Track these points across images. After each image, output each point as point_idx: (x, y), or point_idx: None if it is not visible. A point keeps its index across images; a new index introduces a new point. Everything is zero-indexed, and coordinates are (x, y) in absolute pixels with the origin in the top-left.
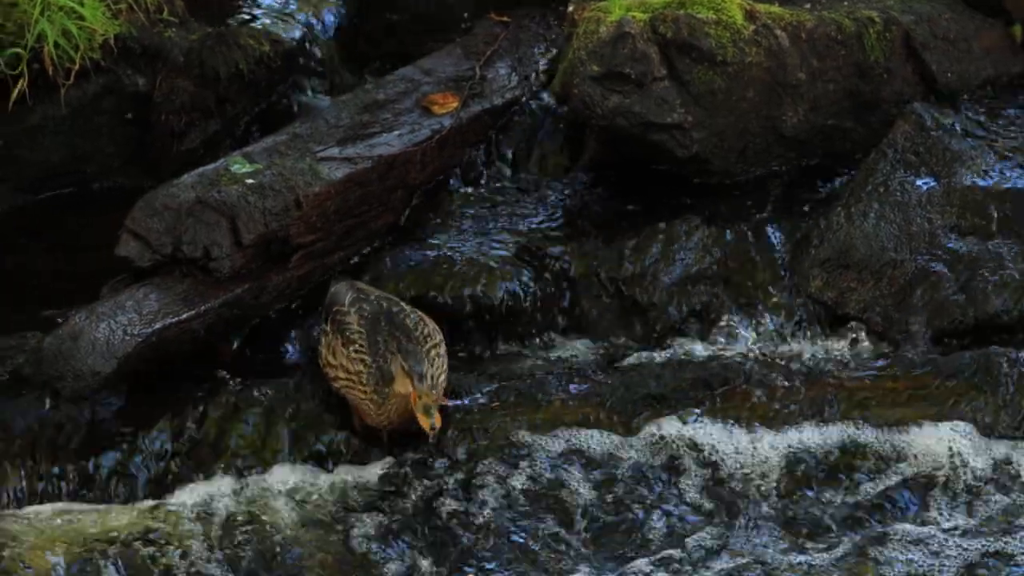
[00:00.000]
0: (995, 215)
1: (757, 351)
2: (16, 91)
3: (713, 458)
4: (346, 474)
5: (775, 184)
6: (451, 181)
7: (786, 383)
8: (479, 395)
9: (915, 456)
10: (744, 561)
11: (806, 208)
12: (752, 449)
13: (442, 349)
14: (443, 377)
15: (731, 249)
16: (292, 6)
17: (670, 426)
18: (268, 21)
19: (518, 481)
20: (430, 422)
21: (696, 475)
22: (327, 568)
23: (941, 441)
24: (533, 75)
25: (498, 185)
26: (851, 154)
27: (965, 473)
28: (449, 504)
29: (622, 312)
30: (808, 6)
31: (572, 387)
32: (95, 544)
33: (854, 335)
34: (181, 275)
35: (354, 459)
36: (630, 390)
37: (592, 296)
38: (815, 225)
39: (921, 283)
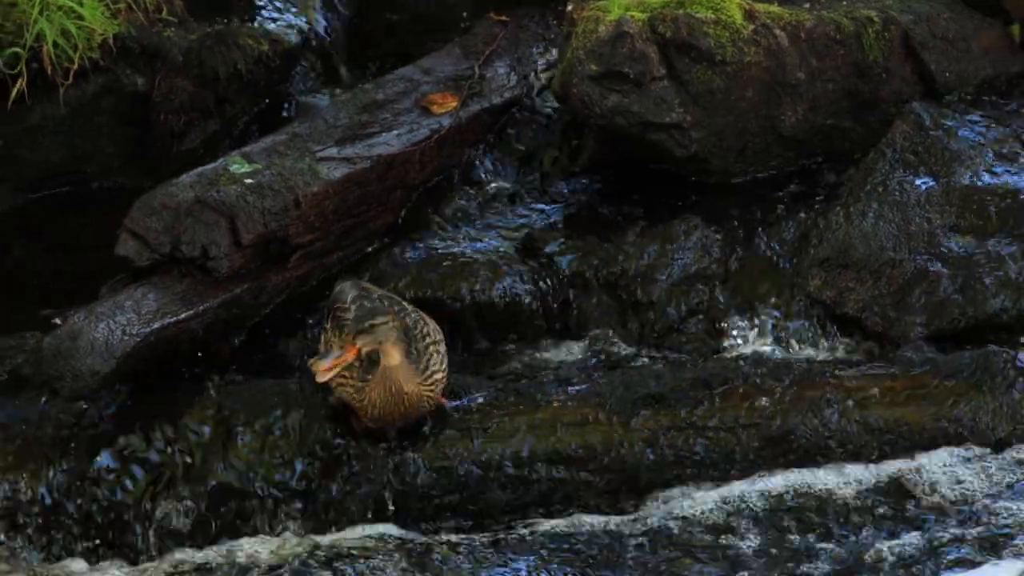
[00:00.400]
0: (994, 215)
1: (756, 351)
2: (15, 91)
3: None
4: None
5: (774, 184)
6: (450, 180)
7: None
8: (478, 395)
9: None
10: None
11: (805, 208)
12: None
13: (441, 348)
14: (442, 376)
15: (730, 249)
16: (292, 6)
17: None
18: (267, 21)
19: None
20: (321, 363)
21: None
22: None
23: None
24: (532, 74)
25: (497, 184)
26: (850, 154)
27: None
28: None
29: (621, 311)
30: (807, 6)
31: (571, 388)
32: None
33: (853, 334)
34: (180, 275)
35: None
36: (630, 390)
37: (590, 295)
38: (814, 225)
39: (920, 283)
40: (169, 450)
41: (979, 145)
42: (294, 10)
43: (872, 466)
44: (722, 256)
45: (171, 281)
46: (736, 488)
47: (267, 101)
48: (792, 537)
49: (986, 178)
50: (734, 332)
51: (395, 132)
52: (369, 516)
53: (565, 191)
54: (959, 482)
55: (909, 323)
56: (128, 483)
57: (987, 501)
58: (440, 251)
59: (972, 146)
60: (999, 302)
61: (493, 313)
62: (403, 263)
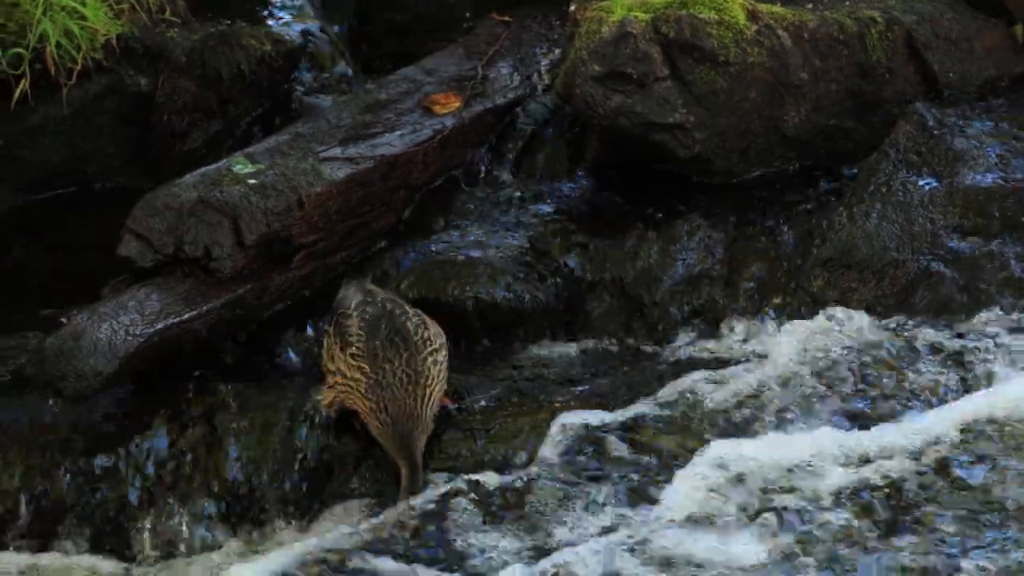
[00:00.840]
0: (997, 215)
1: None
2: (18, 91)
3: None
4: None
5: (777, 184)
6: (453, 181)
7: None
8: (481, 396)
9: None
10: None
11: (808, 208)
12: None
13: (441, 355)
14: (442, 380)
15: (733, 249)
16: (293, 6)
17: None
18: (270, 21)
19: None
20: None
21: None
22: None
23: None
24: (535, 75)
25: (500, 185)
26: (853, 154)
27: None
28: None
29: (624, 312)
30: (810, 6)
31: (576, 388)
32: None
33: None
34: (183, 275)
35: None
36: (632, 390)
37: (594, 296)
38: (817, 225)
39: (923, 283)
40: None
41: (982, 145)
42: (296, 10)
43: None
44: (725, 256)
45: (174, 281)
46: None
47: (270, 101)
48: None
49: (989, 178)
50: (737, 333)
51: (398, 132)
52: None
53: (568, 192)
54: None
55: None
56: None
57: None
58: (443, 252)
59: (975, 146)
60: (1003, 303)
61: (496, 313)
62: (406, 263)
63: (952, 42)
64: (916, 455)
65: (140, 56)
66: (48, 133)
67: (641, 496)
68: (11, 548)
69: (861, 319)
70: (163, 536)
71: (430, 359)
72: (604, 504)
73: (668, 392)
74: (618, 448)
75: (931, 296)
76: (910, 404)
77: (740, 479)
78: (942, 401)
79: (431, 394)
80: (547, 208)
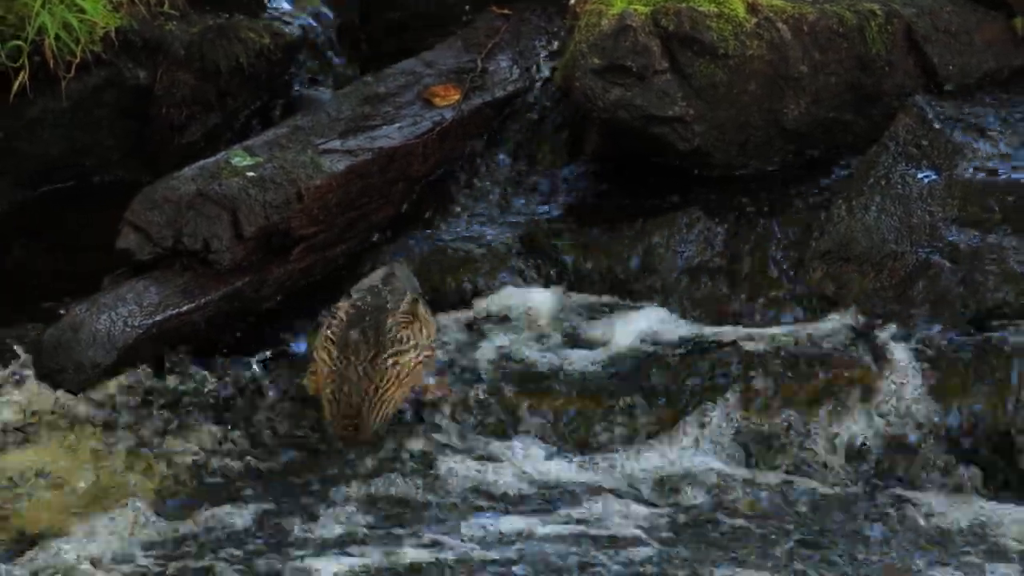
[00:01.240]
0: (997, 208)
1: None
2: (17, 84)
3: None
4: None
5: (776, 177)
6: (453, 173)
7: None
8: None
9: None
10: None
11: (807, 201)
12: None
13: (408, 356)
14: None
15: (732, 242)
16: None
17: None
18: (269, 14)
19: None
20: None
21: None
22: None
23: None
24: (534, 68)
25: (499, 177)
26: (852, 147)
27: None
28: None
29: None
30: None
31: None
32: None
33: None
34: (181, 268)
35: None
36: (626, 381)
37: (593, 288)
38: (816, 218)
39: (922, 275)
40: None
41: (982, 138)
42: (295, 4)
43: None
44: (724, 249)
45: (173, 274)
46: None
47: (268, 94)
48: None
49: (989, 171)
50: (736, 324)
51: (397, 125)
52: None
53: (567, 184)
54: None
55: (911, 316)
56: None
57: None
58: (441, 244)
59: (975, 139)
60: (1002, 295)
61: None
62: (406, 255)
63: (952, 35)
64: None
65: (139, 49)
66: (47, 126)
67: None
68: None
69: None
70: None
71: (391, 360)
72: None
73: None
74: None
75: (930, 288)
76: None
77: None
78: None
79: (383, 394)
80: (545, 201)
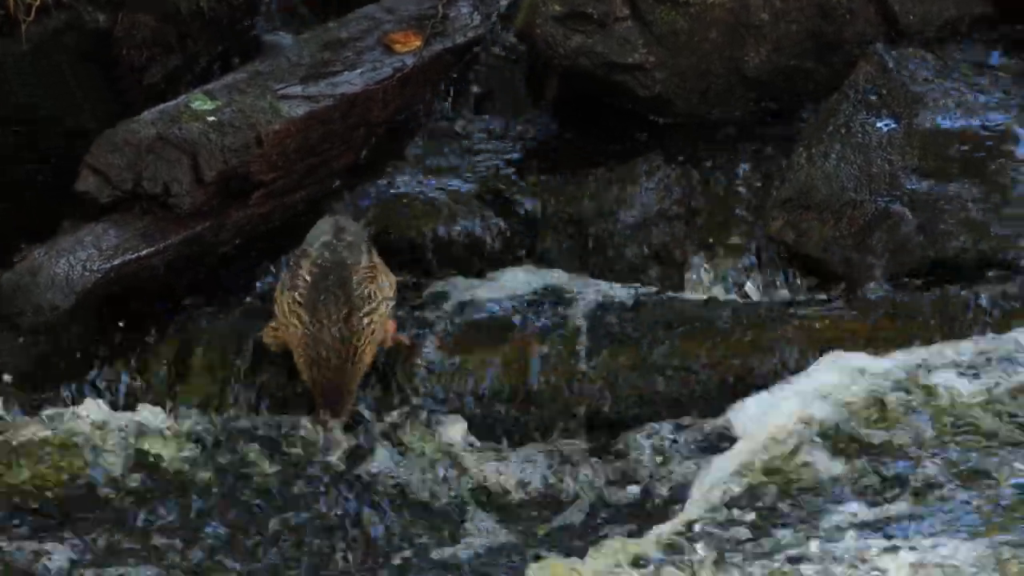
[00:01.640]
0: (956, 157)
1: (717, 292)
2: None
3: None
4: None
5: (737, 125)
6: (413, 120)
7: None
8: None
9: None
10: None
11: (767, 149)
12: None
13: (380, 311)
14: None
15: (692, 189)
16: None
17: None
18: None
19: None
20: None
21: None
22: None
23: None
24: (495, 14)
25: (459, 124)
26: (813, 95)
27: None
28: None
29: (583, 251)
30: None
31: (538, 323)
32: None
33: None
34: (141, 211)
35: None
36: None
37: (553, 235)
38: (776, 166)
39: (881, 224)
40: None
41: (942, 87)
42: None
43: None
44: (683, 196)
45: (132, 218)
46: None
47: (230, 39)
48: None
49: (948, 120)
50: (695, 273)
51: (358, 70)
52: None
53: (527, 131)
54: None
55: (870, 264)
56: None
57: None
58: (401, 191)
59: (935, 88)
60: (960, 243)
61: (454, 251)
62: (365, 202)
63: None
64: None
65: None
66: (7, 69)
67: None
68: None
69: None
70: None
71: (366, 319)
72: None
73: None
74: None
75: (889, 237)
76: None
77: None
78: None
79: (361, 354)
80: (506, 146)
